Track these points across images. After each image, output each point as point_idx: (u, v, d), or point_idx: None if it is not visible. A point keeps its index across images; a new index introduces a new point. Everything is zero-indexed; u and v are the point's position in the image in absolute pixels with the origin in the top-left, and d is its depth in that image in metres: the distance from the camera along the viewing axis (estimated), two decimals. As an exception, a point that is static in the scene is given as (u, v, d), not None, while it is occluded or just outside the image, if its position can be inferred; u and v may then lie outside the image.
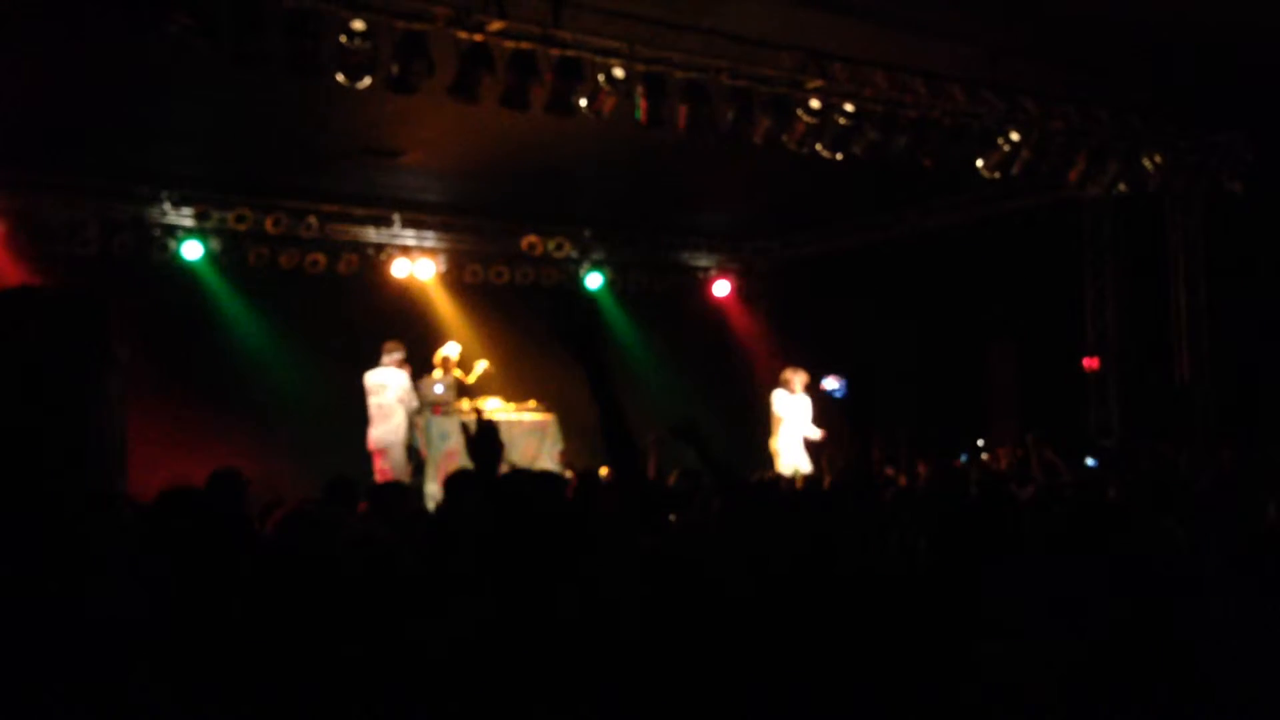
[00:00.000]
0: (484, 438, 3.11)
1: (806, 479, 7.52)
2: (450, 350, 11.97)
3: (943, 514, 3.68)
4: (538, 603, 2.51)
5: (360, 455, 10.99)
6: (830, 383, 9.96)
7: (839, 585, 2.97)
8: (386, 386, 11.10)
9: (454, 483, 4.96)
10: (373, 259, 13.18)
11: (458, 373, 11.83)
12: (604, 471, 8.32)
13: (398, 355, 11.28)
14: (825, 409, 11.54)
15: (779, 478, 7.37)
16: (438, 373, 11.79)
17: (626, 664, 2.43)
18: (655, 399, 12.25)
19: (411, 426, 11.23)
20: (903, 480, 7.72)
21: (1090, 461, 9.32)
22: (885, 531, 3.52)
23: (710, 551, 3.25)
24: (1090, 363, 12.27)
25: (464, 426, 3.23)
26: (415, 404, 11.23)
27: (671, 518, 4.05)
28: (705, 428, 3.71)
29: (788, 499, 4.79)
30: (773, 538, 3.33)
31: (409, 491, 7.81)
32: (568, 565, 2.58)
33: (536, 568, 2.58)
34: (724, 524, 3.67)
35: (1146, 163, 10.21)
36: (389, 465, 10.87)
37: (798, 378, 11.51)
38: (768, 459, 11.65)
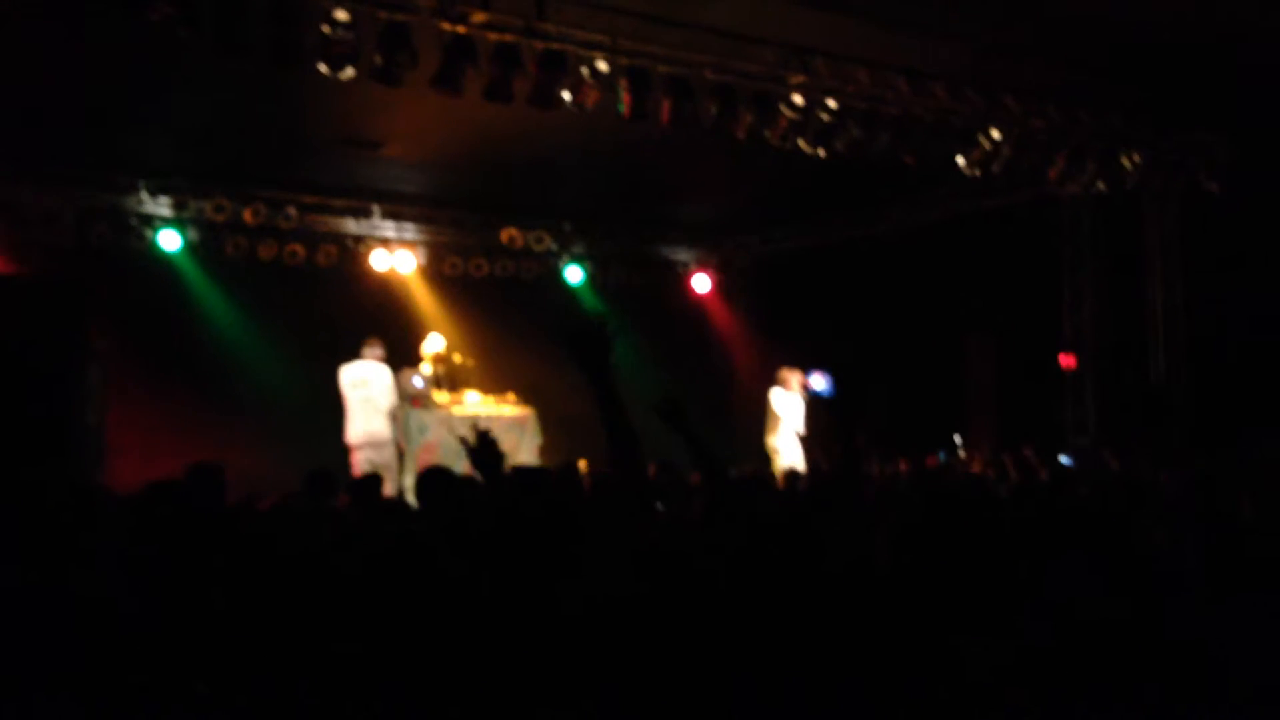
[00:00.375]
0: (485, 448, 3.17)
1: (788, 476, 7.55)
2: (437, 344, 11.96)
3: (925, 511, 3.70)
4: (538, 599, 2.52)
5: (337, 446, 10.96)
6: (816, 380, 10.00)
7: (825, 581, 2.99)
8: (370, 381, 11.05)
9: (427, 480, 4.96)
10: (352, 250, 13.14)
11: (441, 367, 11.83)
12: (583, 465, 8.34)
13: (379, 351, 11.24)
14: (811, 406, 11.61)
15: (764, 473, 7.41)
16: (425, 367, 11.78)
17: (624, 660, 2.44)
18: (634, 393, 12.24)
19: (390, 420, 11.20)
20: (877, 475, 7.76)
21: (1065, 460, 9.37)
22: (870, 528, 3.53)
23: (698, 547, 3.26)
24: (1067, 360, 12.33)
25: (464, 440, 3.30)
26: (395, 400, 11.19)
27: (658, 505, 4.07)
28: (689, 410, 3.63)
29: (773, 495, 4.80)
30: (759, 534, 3.35)
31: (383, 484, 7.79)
32: (566, 561, 2.59)
33: (536, 564, 2.59)
34: (710, 520, 3.68)
35: (1125, 161, 10.27)
36: (382, 460, 10.79)
37: (794, 376, 11.57)
38: (762, 456, 11.70)
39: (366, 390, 11.00)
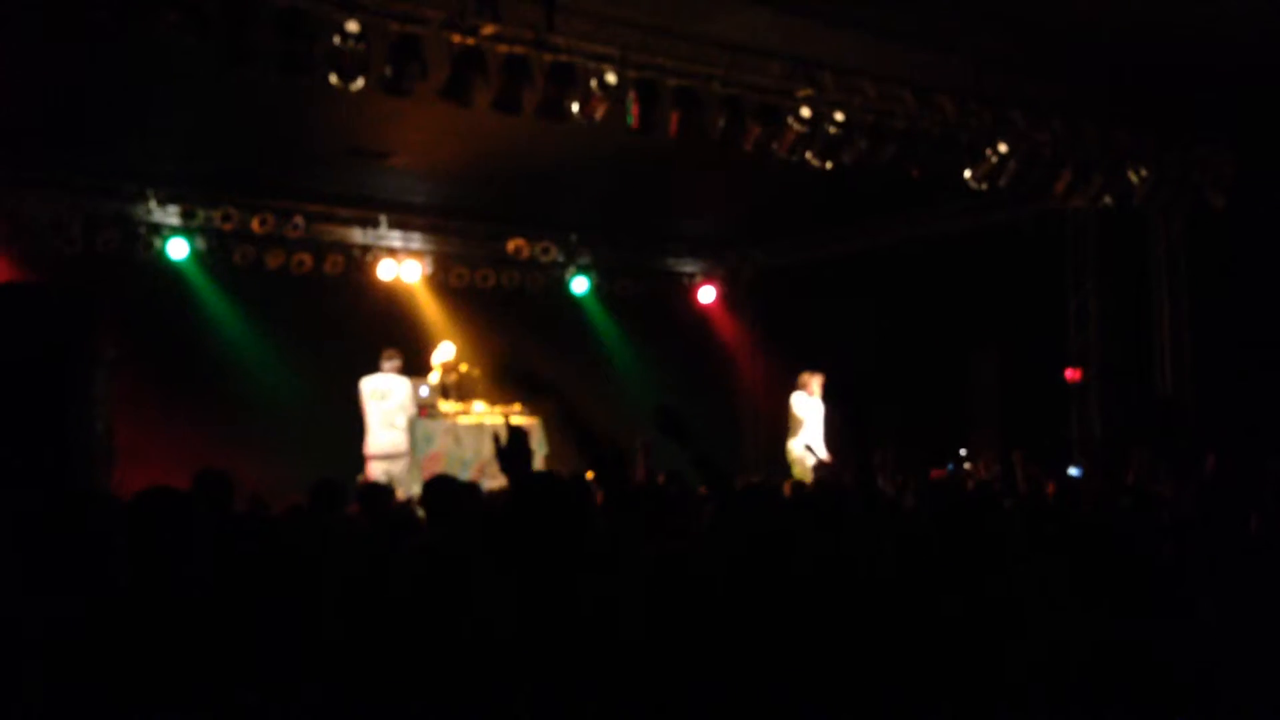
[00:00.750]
0: (515, 446, 3.18)
1: (794, 486, 7.55)
2: (447, 353, 11.97)
3: (933, 521, 3.71)
4: (547, 602, 2.53)
5: (344, 456, 10.97)
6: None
7: (826, 590, 3.00)
8: (390, 393, 11.05)
9: (433, 488, 4.98)
10: (359, 260, 13.14)
11: (455, 375, 11.83)
12: (590, 476, 8.34)
13: (397, 362, 11.26)
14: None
15: (768, 483, 7.42)
16: (434, 375, 11.79)
17: (630, 663, 2.45)
18: (639, 404, 12.26)
19: (408, 433, 11.22)
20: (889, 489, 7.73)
21: (1074, 471, 9.36)
22: (877, 539, 3.54)
23: (703, 555, 3.27)
24: (1072, 374, 12.31)
25: (495, 437, 3.30)
26: (414, 412, 11.19)
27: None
28: (689, 422, 3.68)
29: (778, 505, 4.80)
30: (762, 543, 3.36)
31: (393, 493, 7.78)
32: (577, 564, 2.60)
33: (548, 567, 2.60)
34: (718, 531, 3.70)
35: (1132, 176, 10.28)
36: (398, 471, 10.80)
37: (815, 380, 11.59)
38: (781, 462, 11.71)
39: (387, 402, 11.00)
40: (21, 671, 2.91)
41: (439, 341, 12.63)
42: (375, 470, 10.80)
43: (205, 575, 3.51)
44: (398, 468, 10.87)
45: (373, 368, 11.28)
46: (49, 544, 3.65)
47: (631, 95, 7.96)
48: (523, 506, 2.83)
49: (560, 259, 14.34)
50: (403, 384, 11.17)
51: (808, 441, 11.42)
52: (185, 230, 12.11)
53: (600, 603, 2.60)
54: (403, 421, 11.05)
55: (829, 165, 8.98)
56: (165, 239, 12.03)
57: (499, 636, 2.59)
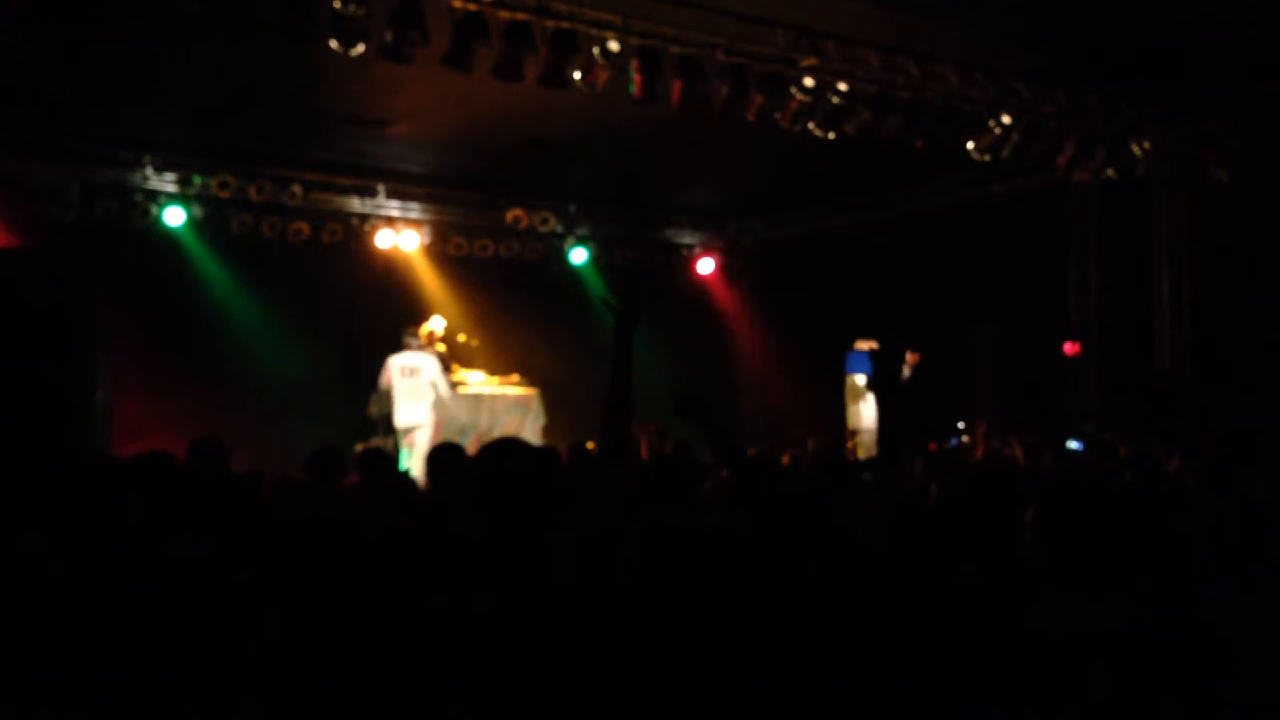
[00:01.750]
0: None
1: (794, 457, 7.55)
2: (435, 324, 11.94)
3: (950, 496, 3.70)
4: (532, 570, 2.50)
5: (341, 423, 10.98)
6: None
7: (844, 562, 2.98)
8: (420, 370, 11.06)
9: (436, 456, 4.96)
10: (357, 229, 13.09)
11: (441, 347, 11.77)
12: (590, 445, 8.32)
13: (418, 339, 11.26)
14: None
15: (768, 454, 7.41)
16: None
17: (623, 642, 2.42)
18: (637, 375, 12.23)
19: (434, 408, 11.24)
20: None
21: (1074, 444, 9.35)
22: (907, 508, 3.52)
23: (706, 527, 3.25)
24: (1071, 348, 12.31)
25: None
26: (446, 389, 11.18)
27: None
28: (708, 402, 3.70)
29: (780, 475, 4.80)
30: (767, 513, 3.34)
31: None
32: (556, 528, 2.58)
33: (527, 530, 2.57)
34: (731, 503, 3.68)
35: (1135, 149, 10.25)
36: (420, 440, 10.82)
37: (870, 348, 11.57)
38: (843, 431, 11.77)
39: (416, 378, 11.02)
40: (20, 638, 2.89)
41: (437, 311, 12.60)
42: (404, 442, 10.90)
43: (202, 542, 3.49)
44: (420, 437, 10.92)
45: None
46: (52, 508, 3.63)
47: (634, 64, 7.90)
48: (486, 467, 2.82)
49: (559, 229, 14.29)
50: (431, 360, 11.18)
51: (867, 412, 11.38)
52: (182, 198, 12.06)
53: (595, 574, 2.58)
54: (431, 396, 11.06)
55: (832, 135, 8.93)
56: (162, 206, 11.98)
57: (488, 608, 2.56)
